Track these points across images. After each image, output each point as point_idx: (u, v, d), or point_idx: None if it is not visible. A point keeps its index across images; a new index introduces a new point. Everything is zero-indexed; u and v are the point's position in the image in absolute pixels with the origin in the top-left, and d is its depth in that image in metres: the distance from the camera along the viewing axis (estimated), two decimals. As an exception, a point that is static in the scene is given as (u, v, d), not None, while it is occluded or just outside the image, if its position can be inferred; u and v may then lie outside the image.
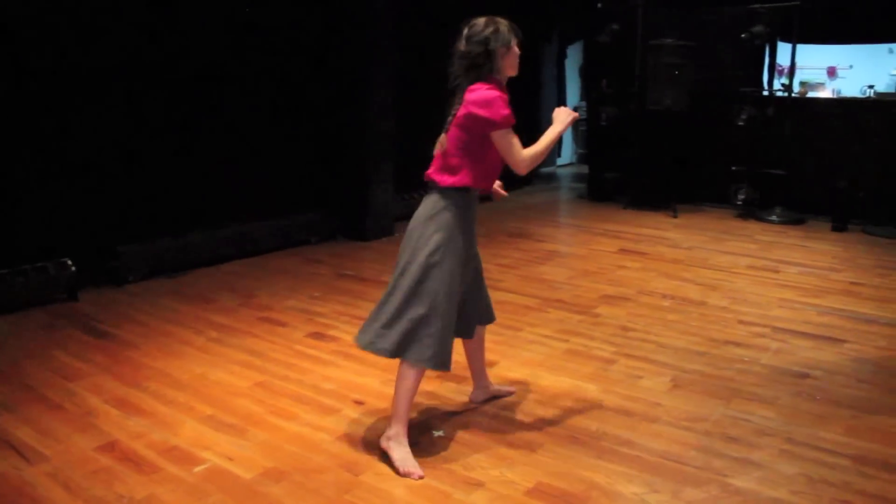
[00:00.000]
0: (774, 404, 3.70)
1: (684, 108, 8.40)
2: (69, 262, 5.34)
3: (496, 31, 3.09)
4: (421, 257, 3.10)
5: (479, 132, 3.06)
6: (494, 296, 5.42)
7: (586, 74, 10.16)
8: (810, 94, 9.51)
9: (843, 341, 4.59)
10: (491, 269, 6.16)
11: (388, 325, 3.17)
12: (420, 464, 3.10)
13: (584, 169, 10.70)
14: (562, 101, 11.81)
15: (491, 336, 4.60)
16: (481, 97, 3.03)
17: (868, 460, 3.18)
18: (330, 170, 7.24)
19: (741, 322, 4.91)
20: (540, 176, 11.20)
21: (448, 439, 3.36)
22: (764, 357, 4.32)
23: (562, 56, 11.58)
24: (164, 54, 5.87)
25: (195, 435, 3.42)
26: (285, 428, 3.49)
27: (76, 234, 5.50)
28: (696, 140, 9.01)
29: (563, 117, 3.28)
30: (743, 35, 8.26)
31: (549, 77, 11.38)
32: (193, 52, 6.06)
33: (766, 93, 8.67)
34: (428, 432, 3.42)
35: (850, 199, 7.93)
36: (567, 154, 12.69)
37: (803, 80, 9.79)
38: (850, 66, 11.22)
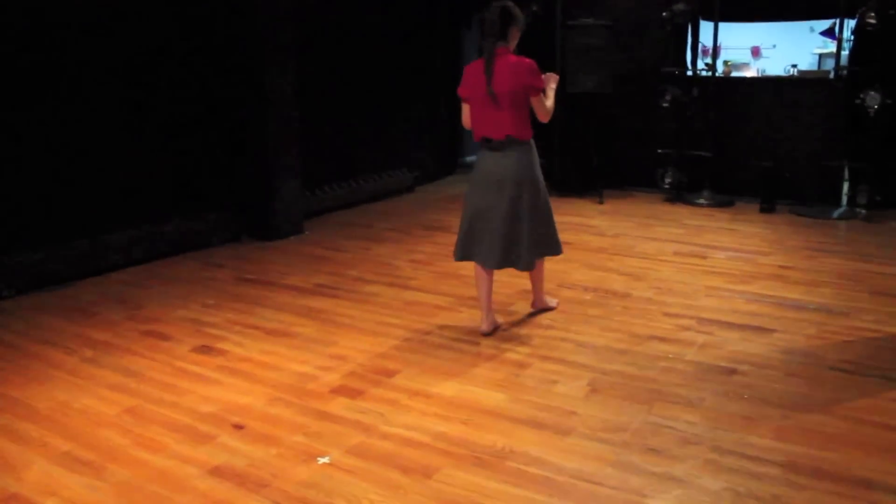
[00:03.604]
0: (700, 407, 3.38)
1: (607, 90, 8.11)
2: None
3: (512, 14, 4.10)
4: (543, 194, 4.26)
5: (530, 95, 4.06)
6: (404, 295, 5.12)
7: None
8: (735, 74, 9.32)
9: (772, 331, 4.31)
10: (403, 266, 5.77)
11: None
12: (294, 501, 2.69)
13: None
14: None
15: (396, 341, 4.24)
16: (531, 68, 4.01)
17: (798, 467, 2.87)
18: (233, 165, 6.72)
19: (666, 314, 4.61)
20: (465, 165, 10.82)
21: (334, 466, 2.95)
22: (689, 353, 4.00)
23: (484, 41, 11.21)
24: (36, 51, 5.30)
25: (42, 478, 2.95)
26: (150, 462, 3.04)
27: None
28: (622, 123, 8.74)
29: (551, 81, 4.23)
30: (664, 13, 8.00)
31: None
32: (67, 47, 5.48)
33: (689, 73, 8.44)
34: (311, 460, 3.00)
35: (777, 179, 7.75)
36: (494, 143, 12.35)
37: (727, 60, 9.60)
38: (774, 46, 11.12)
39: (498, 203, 4.13)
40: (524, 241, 4.14)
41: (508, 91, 3.99)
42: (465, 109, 4.25)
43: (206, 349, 4.22)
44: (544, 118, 4.15)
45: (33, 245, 5.36)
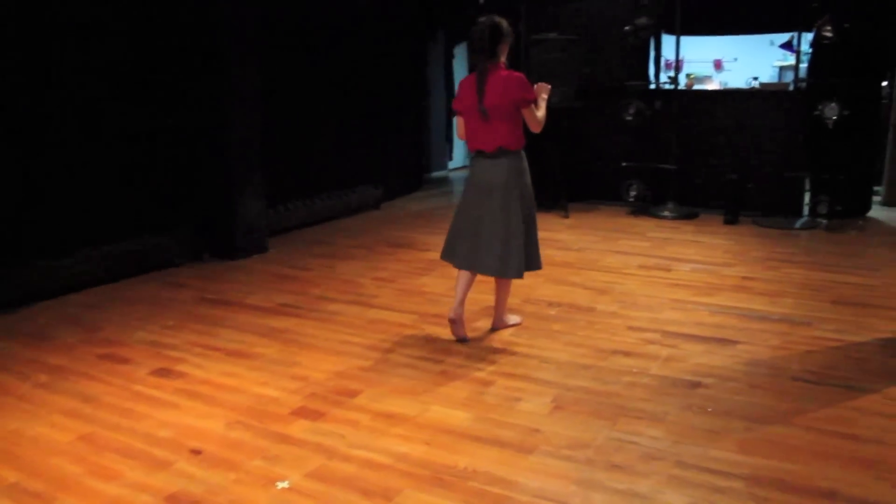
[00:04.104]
0: (664, 421, 3.36)
1: (572, 104, 8.14)
2: None
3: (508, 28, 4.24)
4: (530, 205, 4.41)
5: (521, 107, 4.18)
6: (368, 314, 5.06)
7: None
8: (697, 87, 9.43)
9: (736, 342, 4.32)
10: (367, 284, 5.71)
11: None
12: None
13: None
14: (451, 103, 11.46)
15: (358, 361, 4.18)
16: (520, 82, 4.16)
17: (762, 480, 2.86)
18: (194, 183, 6.62)
19: (630, 328, 4.60)
20: (431, 181, 10.81)
21: (294, 491, 2.88)
22: (653, 366, 3.99)
23: (449, 56, 11.23)
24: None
25: (-11, 510, 2.85)
26: (103, 491, 2.95)
27: None
28: (586, 137, 8.78)
29: (542, 92, 4.31)
30: (627, 28, 8.07)
31: (437, 77, 11.02)
32: (27, 65, 5.38)
33: (652, 86, 8.51)
34: (270, 485, 2.93)
35: (740, 190, 7.82)
36: (459, 157, 12.34)
37: (690, 73, 9.72)
38: (735, 59, 11.28)
39: (487, 208, 4.26)
40: (512, 249, 4.23)
41: (499, 105, 4.15)
42: (460, 122, 4.43)
43: (164, 372, 4.12)
44: (536, 129, 4.27)
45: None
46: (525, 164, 4.36)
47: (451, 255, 4.47)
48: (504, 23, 4.22)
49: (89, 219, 5.85)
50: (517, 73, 4.19)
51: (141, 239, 6.14)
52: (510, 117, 4.20)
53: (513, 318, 4.72)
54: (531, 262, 4.39)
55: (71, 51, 5.66)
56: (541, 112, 4.26)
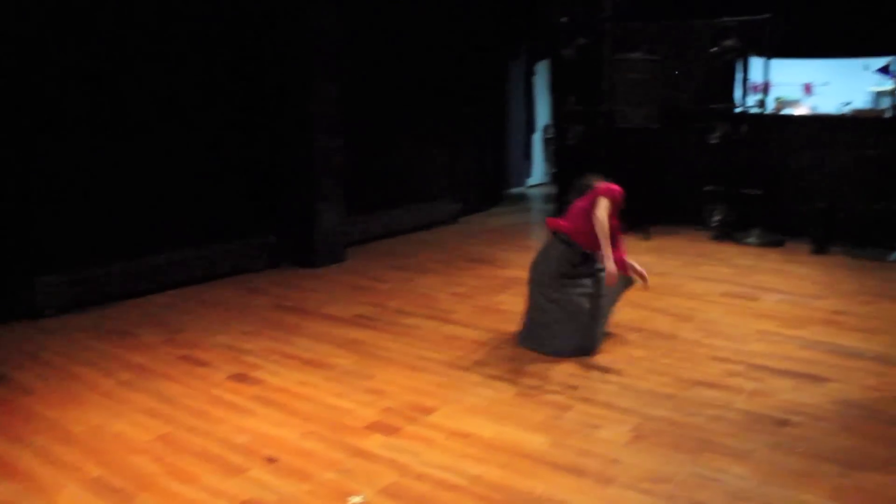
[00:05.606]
0: (749, 459, 3.22)
1: (654, 125, 7.98)
2: (-29, 297, 4.81)
3: None
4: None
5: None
6: (444, 329, 5.02)
7: (553, 91, 9.72)
8: (786, 111, 9.13)
9: (827, 380, 4.12)
10: (443, 299, 5.68)
11: None
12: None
13: (555, 189, 10.23)
14: (531, 120, 11.39)
15: (434, 377, 4.15)
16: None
17: (858, 530, 2.71)
18: (275, 192, 6.72)
19: (714, 358, 4.44)
20: (510, 197, 10.74)
21: (367, 508, 2.86)
22: (738, 400, 3.84)
23: (530, 73, 11.16)
24: (90, 79, 5.40)
25: (73, 503, 2.90)
26: (180, 493, 2.98)
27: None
28: (669, 159, 8.59)
29: (611, 278, 4.37)
30: (713, 49, 7.88)
31: (517, 95, 10.96)
32: (118, 76, 5.57)
33: (739, 109, 8.28)
34: (343, 499, 2.91)
35: (831, 220, 7.51)
36: (538, 174, 12.24)
37: (779, 97, 9.42)
38: (827, 83, 10.90)
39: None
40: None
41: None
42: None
43: (241, 377, 4.17)
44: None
45: (77, 265, 5.40)
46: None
47: None
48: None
49: (174, 223, 6.00)
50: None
51: (223, 244, 6.26)
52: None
53: None
54: None
55: (169, 67, 5.88)
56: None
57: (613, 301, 4.65)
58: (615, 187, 4.51)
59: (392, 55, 7.93)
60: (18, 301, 5.16)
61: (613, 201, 4.44)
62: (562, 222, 4.59)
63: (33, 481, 3.08)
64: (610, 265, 4.34)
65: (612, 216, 4.43)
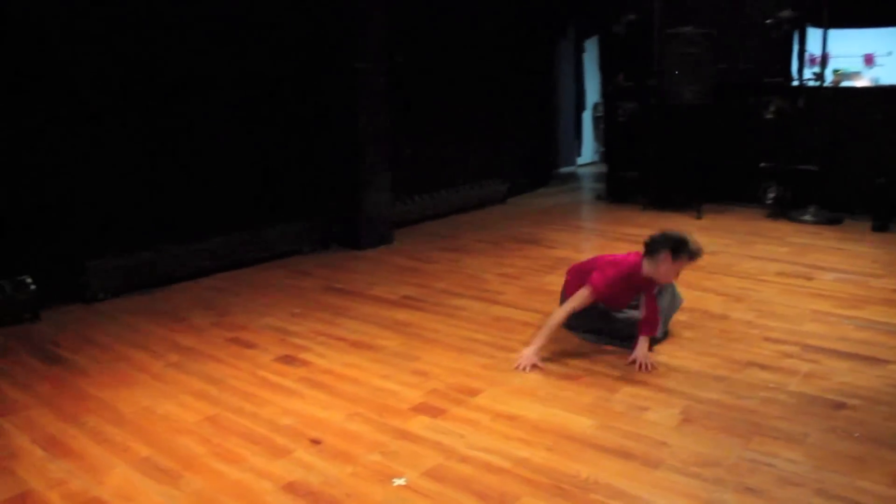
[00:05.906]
0: (803, 443, 3.12)
1: (707, 101, 7.80)
2: (28, 281, 4.93)
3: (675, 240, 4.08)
4: None
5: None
6: (492, 310, 4.98)
7: (603, 68, 9.56)
8: (845, 84, 8.82)
9: (887, 362, 3.97)
10: (491, 280, 5.64)
11: None
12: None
13: (605, 168, 10.10)
14: (580, 98, 11.23)
15: (481, 359, 4.12)
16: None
17: (918, 517, 2.60)
18: (323, 174, 6.75)
19: (767, 339, 4.32)
20: (559, 176, 10.63)
21: (410, 489, 2.84)
22: (792, 383, 3.73)
23: (579, 51, 11.00)
24: (139, 61, 5.46)
25: (122, 482, 2.96)
26: (226, 474, 3.01)
27: (40, 249, 5.13)
28: (722, 135, 8.38)
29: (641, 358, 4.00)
30: (768, 21, 7.64)
31: (566, 73, 10.81)
32: (167, 58, 5.62)
33: (795, 83, 8.03)
34: (387, 481, 2.90)
35: (892, 195, 7.25)
36: (588, 153, 12.09)
37: (837, 69, 9.10)
38: (889, 53, 10.50)
39: None
40: None
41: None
42: None
43: (289, 359, 4.19)
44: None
45: (127, 249, 5.49)
46: None
47: None
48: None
49: (222, 206, 6.07)
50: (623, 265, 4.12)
51: (270, 227, 6.31)
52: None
53: None
54: None
55: (217, 47, 5.93)
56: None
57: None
58: (605, 282, 4.00)
59: (440, 36, 7.88)
60: (72, 285, 5.27)
61: (594, 295, 4.01)
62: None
63: (84, 460, 3.14)
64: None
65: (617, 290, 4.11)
